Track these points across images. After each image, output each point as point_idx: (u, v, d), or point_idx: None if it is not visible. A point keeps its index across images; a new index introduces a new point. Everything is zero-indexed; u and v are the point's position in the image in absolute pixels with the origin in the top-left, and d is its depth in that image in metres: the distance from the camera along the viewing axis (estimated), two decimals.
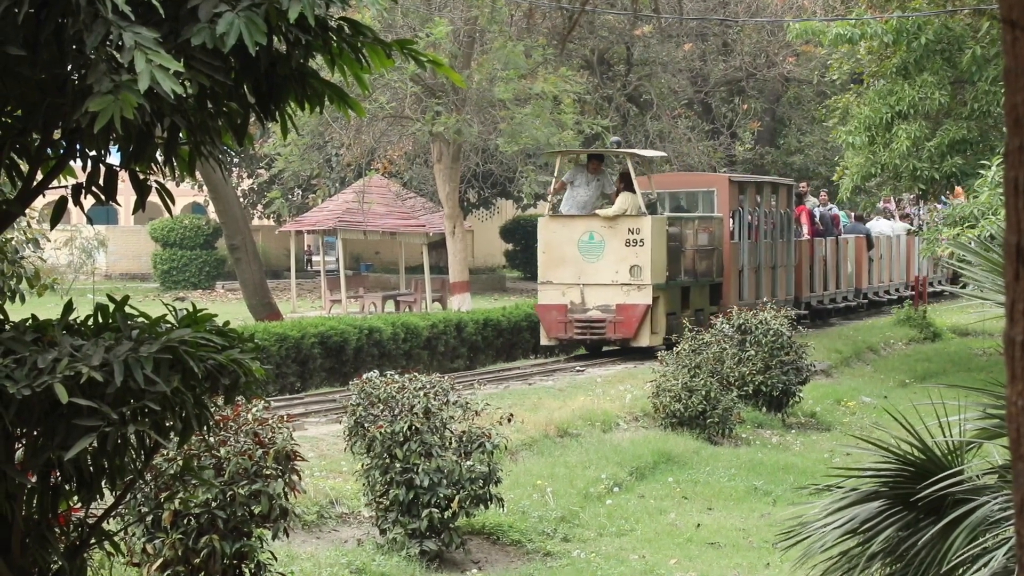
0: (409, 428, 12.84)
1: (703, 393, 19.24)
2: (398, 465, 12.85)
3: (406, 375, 13.64)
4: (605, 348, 26.61)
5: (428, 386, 13.22)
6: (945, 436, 6.98)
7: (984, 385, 7.17)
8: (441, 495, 12.85)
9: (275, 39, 6.12)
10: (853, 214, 38.69)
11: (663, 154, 34.18)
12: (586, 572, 13.22)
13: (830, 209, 36.35)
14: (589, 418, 18.85)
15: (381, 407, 13.06)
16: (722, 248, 27.92)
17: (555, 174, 26.65)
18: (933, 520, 6.75)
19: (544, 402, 19.77)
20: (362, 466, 13.15)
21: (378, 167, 37.46)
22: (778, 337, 21.49)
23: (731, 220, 28.49)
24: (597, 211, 25.73)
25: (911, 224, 40.05)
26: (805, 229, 33.28)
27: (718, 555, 13.94)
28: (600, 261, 25.21)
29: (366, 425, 13.01)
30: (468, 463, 12.98)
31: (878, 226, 38.90)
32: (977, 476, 6.87)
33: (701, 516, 15.53)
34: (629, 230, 25.18)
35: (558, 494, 15.25)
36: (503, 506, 13.44)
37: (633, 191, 25.46)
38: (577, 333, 25.23)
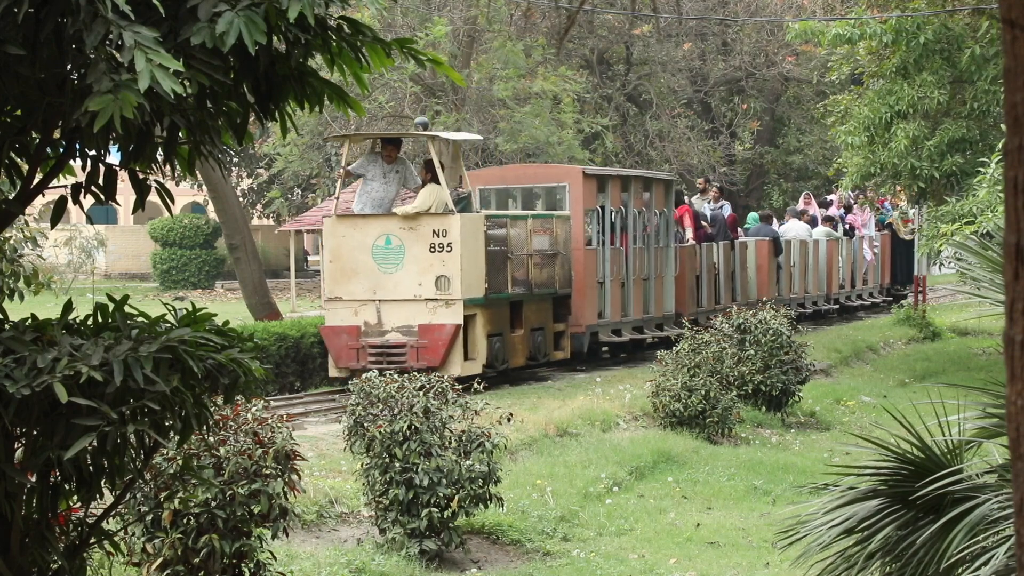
0: (409, 427, 12.84)
1: (703, 392, 19.24)
2: (398, 464, 12.86)
3: (405, 375, 13.65)
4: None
5: (427, 385, 13.22)
6: (944, 435, 6.99)
7: (984, 384, 7.17)
8: (441, 494, 12.86)
9: (274, 38, 6.13)
10: (760, 214, 34.54)
11: (476, 137, 28.75)
12: (586, 571, 13.22)
13: (721, 207, 31.27)
14: (589, 417, 18.85)
15: (380, 406, 13.07)
16: (570, 254, 23.14)
17: (343, 163, 21.91)
18: (932, 519, 6.75)
19: (543, 401, 19.78)
20: (361, 465, 13.15)
21: None
22: (778, 336, 21.50)
23: (586, 221, 23.88)
24: (395, 209, 20.91)
25: (833, 228, 35.54)
26: (689, 233, 28.40)
27: (717, 554, 13.94)
28: (399, 271, 20.20)
29: (366, 425, 13.02)
30: (468, 462, 12.99)
31: (793, 229, 34.13)
32: (976, 475, 6.87)
33: (700, 515, 15.53)
34: (434, 232, 20.19)
35: (557, 493, 15.25)
36: (503, 505, 13.44)
37: (440, 183, 20.57)
38: (372, 361, 19.88)
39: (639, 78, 42.52)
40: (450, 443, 13.11)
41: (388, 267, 20.33)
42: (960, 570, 6.52)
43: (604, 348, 25.24)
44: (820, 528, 7.00)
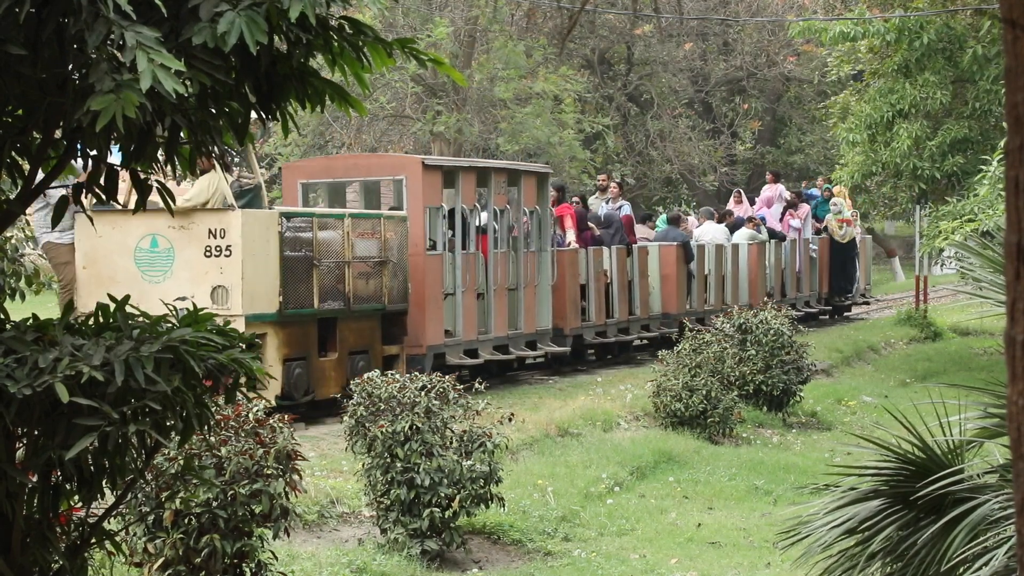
0: (410, 427, 12.84)
1: (704, 392, 19.24)
2: (399, 464, 12.86)
3: (407, 374, 13.65)
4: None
5: (429, 385, 13.23)
6: (946, 435, 6.99)
7: (985, 384, 7.17)
8: (442, 494, 12.86)
9: (276, 38, 6.13)
10: (666, 215, 29.92)
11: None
12: (587, 571, 13.22)
13: (620, 208, 26.67)
14: (590, 417, 18.85)
15: (382, 406, 13.07)
16: (406, 261, 19.19)
17: None
18: (933, 519, 6.75)
19: (545, 401, 19.78)
20: (363, 466, 13.15)
21: None
22: (779, 337, 21.50)
23: (428, 220, 20.16)
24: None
25: (758, 230, 30.67)
26: (570, 235, 24.22)
27: (719, 554, 13.95)
28: (168, 280, 16.62)
29: (367, 424, 13.02)
30: (469, 463, 12.99)
31: (708, 232, 29.76)
32: (977, 475, 6.87)
33: (702, 515, 15.53)
34: (210, 232, 16.62)
35: (559, 493, 15.25)
36: (504, 505, 13.44)
37: (223, 172, 17.10)
38: None
39: (640, 78, 42.54)
40: (451, 443, 13.12)
41: (154, 275, 16.72)
42: (961, 570, 6.52)
43: (462, 371, 19.93)
44: (821, 528, 7.00)
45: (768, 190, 33.26)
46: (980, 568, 6.37)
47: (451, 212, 20.55)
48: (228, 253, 16.60)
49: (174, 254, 16.72)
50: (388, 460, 12.90)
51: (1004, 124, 3.33)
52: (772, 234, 31.18)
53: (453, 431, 13.19)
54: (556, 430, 18.01)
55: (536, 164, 25.84)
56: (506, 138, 33.69)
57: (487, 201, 21.45)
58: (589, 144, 38.34)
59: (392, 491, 12.89)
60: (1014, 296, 3.32)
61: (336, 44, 6.36)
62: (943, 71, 26.54)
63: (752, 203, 33.26)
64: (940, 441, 6.97)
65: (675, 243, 27.14)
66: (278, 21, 6.03)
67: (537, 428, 17.79)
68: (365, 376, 13.54)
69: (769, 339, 21.48)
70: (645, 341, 26.63)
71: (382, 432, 12.84)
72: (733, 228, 30.58)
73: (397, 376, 13.52)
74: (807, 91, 46.20)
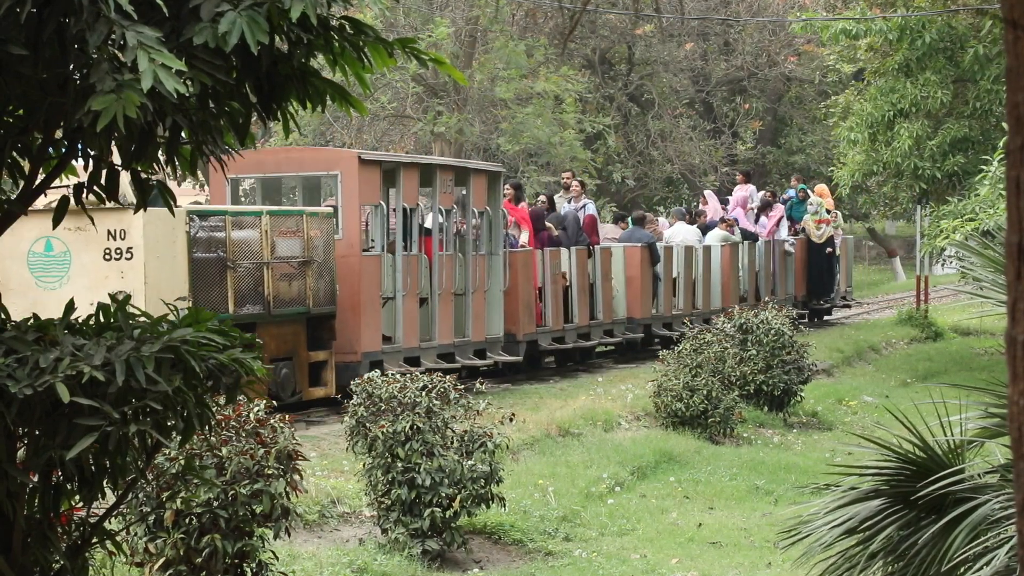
0: (411, 427, 12.84)
1: (704, 392, 19.25)
2: (400, 464, 12.86)
3: (408, 374, 13.65)
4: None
5: (430, 385, 13.23)
6: (946, 435, 6.99)
7: (986, 384, 7.17)
8: (443, 494, 12.86)
9: (277, 38, 6.13)
10: (633, 215, 28.17)
11: None
12: (587, 571, 13.22)
13: (583, 207, 25.36)
14: (591, 417, 18.86)
15: (383, 406, 13.07)
16: (333, 261, 18.03)
17: None
18: (934, 519, 6.75)
19: (545, 401, 19.78)
20: (364, 465, 13.16)
21: None
22: (780, 336, 21.51)
23: (364, 219, 19.32)
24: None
25: (731, 232, 29.24)
26: (524, 236, 22.85)
27: (719, 554, 13.95)
28: (65, 286, 15.38)
29: (368, 425, 13.02)
30: (470, 462, 12.99)
31: (679, 233, 28.32)
32: (978, 475, 6.87)
33: (702, 515, 15.53)
34: (109, 233, 15.49)
35: (559, 493, 15.26)
36: (504, 505, 13.45)
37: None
38: None
39: (641, 78, 42.53)
40: (452, 443, 13.12)
41: (49, 281, 15.64)
42: (962, 570, 6.52)
43: None
44: (822, 528, 7.00)
45: (740, 190, 32.03)
46: (981, 568, 6.37)
47: (380, 208, 19.36)
48: (129, 256, 15.57)
49: (71, 258, 15.63)
50: (389, 460, 12.90)
51: (1005, 124, 3.32)
52: (746, 235, 29.91)
53: (454, 431, 13.20)
54: (557, 430, 18.01)
55: (488, 163, 24.63)
56: (507, 138, 33.69)
57: (435, 199, 20.18)
58: (590, 144, 38.34)
59: (393, 491, 12.90)
60: (1015, 296, 3.32)
61: (337, 44, 6.36)
62: (944, 71, 26.56)
63: (725, 204, 32.02)
64: (941, 441, 6.97)
65: (640, 244, 25.82)
66: (279, 21, 6.03)
67: (538, 428, 17.79)
68: (366, 376, 13.54)
69: (770, 339, 21.49)
70: (611, 347, 25.59)
71: (383, 432, 12.85)
72: (707, 229, 29.38)
73: (398, 376, 13.52)
74: (808, 91, 46.19)
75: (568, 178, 26.75)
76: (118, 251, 15.58)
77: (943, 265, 40.05)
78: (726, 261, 28.49)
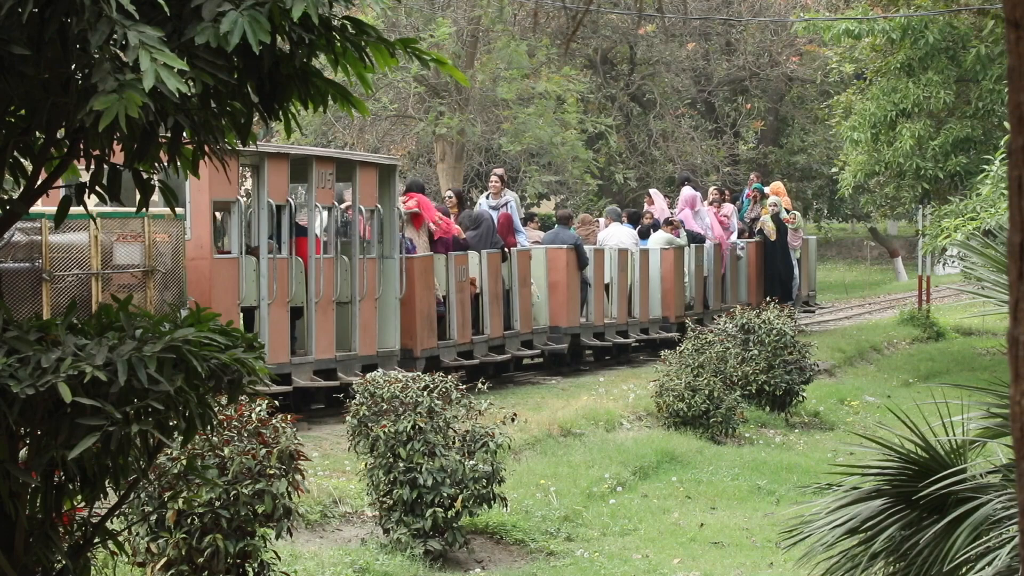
0: (413, 427, 12.84)
1: (706, 392, 19.24)
2: (402, 464, 12.86)
3: (410, 374, 13.65)
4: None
5: (431, 385, 13.23)
6: (948, 435, 6.99)
7: (988, 384, 7.17)
8: (445, 494, 12.86)
9: (279, 38, 6.13)
10: (557, 214, 26.06)
11: None
12: (589, 571, 13.22)
13: (505, 204, 22.74)
14: (592, 417, 18.85)
15: (384, 406, 13.07)
16: (183, 268, 15.61)
17: None
18: (936, 519, 6.75)
19: (547, 401, 19.78)
20: (365, 465, 13.15)
21: None
22: (781, 336, 21.50)
23: (217, 218, 17.06)
24: None
25: (677, 234, 26.80)
26: (419, 239, 20.21)
27: (721, 554, 13.94)
28: None
29: (369, 424, 13.02)
30: (471, 462, 12.99)
31: (615, 235, 25.56)
32: (980, 475, 6.87)
33: (704, 515, 15.53)
34: None
35: (561, 493, 15.25)
36: (506, 505, 13.44)
37: None
38: None
39: (643, 78, 42.52)
40: (454, 443, 13.12)
41: None
42: (964, 570, 6.52)
43: (277, 399, 15.13)
44: (824, 528, 7.00)
45: (688, 190, 29.27)
46: (983, 568, 6.37)
47: (236, 205, 16.73)
48: None
49: None
50: (391, 460, 12.90)
51: (1007, 124, 3.32)
52: (692, 237, 27.49)
53: (456, 431, 13.19)
54: (559, 430, 18.01)
55: (380, 155, 22.17)
56: (509, 138, 33.69)
57: (312, 196, 17.73)
58: (592, 144, 38.33)
59: (395, 491, 12.90)
60: (1017, 296, 3.32)
61: (339, 44, 6.36)
62: (946, 70, 26.56)
63: (671, 205, 29.63)
64: (943, 441, 6.97)
65: (565, 246, 23.33)
66: (281, 21, 6.03)
67: (540, 428, 17.79)
68: (367, 376, 13.54)
69: (772, 339, 21.48)
70: (538, 359, 23.70)
71: (385, 432, 12.85)
72: (651, 231, 27.15)
73: (399, 376, 13.52)
74: (810, 91, 46.17)
75: (497, 179, 23.61)
76: None
77: (944, 265, 40.04)
78: (668, 266, 26.16)
